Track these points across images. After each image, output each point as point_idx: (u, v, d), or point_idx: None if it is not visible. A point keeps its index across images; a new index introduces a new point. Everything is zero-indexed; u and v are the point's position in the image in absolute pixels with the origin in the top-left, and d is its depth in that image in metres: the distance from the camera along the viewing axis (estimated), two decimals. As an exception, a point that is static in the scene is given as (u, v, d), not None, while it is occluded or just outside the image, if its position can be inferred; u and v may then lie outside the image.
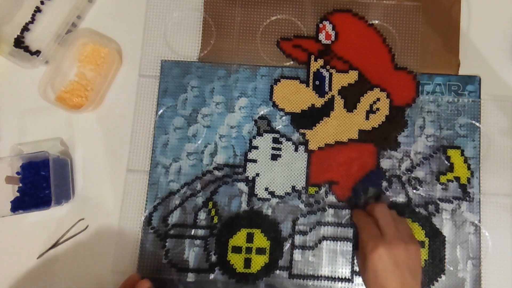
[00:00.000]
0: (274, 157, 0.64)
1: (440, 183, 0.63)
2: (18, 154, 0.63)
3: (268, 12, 0.67)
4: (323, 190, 0.63)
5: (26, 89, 0.66)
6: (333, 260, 0.62)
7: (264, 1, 0.67)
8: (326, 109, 0.65)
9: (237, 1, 0.67)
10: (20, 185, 0.60)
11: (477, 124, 0.64)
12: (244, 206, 0.63)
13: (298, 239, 0.62)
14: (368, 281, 0.54)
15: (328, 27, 0.66)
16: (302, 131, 0.64)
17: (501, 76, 0.66)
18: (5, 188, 0.60)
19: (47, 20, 0.67)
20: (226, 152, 0.64)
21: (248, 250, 0.62)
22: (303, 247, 0.62)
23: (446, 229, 0.62)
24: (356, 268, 0.62)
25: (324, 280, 0.61)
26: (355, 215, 0.61)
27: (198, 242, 0.62)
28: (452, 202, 0.63)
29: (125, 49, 0.67)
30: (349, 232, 0.62)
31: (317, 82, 0.65)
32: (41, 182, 0.60)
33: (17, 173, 0.61)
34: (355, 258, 0.62)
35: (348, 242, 0.62)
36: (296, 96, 0.65)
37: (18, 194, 0.60)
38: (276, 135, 0.64)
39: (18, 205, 0.60)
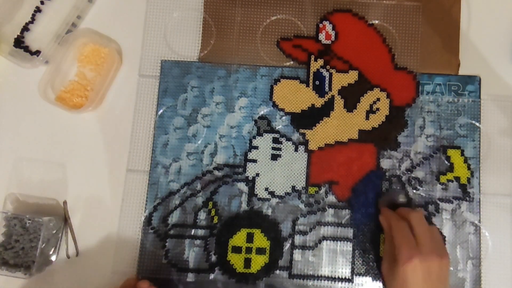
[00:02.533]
0: (274, 157, 0.64)
1: (440, 183, 0.63)
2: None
3: (268, 12, 0.67)
4: (323, 190, 0.63)
5: (26, 89, 0.66)
6: (333, 260, 0.62)
7: (264, 1, 0.67)
8: (326, 109, 0.65)
9: (237, 1, 0.67)
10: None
11: (477, 124, 0.64)
12: (244, 206, 0.63)
13: (298, 239, 0.62)
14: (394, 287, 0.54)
15: (328, 27, 0.66)
16: (302, 131, 0.64)
17: (501, 76, 0.66)
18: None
19: (47, 20, 0.67)
20: (226, 152, 0.64)
21: (248, 250, 0.62)
22: (303, 247, 0.62)
23: (446, 229, 0.62)
24: (356, 268, 0.62)
25: (324, 280, 0.61)
26: (385, 216, 0.59)
27: (198, 242, 0.62)
28: (452, 202, 0.63)
29: (125, 49, 0.67)
30: (349, 232, 0.62)
31: (317, 82, 0.65)
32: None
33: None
34: (355, 258, 0.62)
35: (348, 242, 0.62)
36: (296, 96, 0.65)
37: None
38: (276, 135, 0.64)
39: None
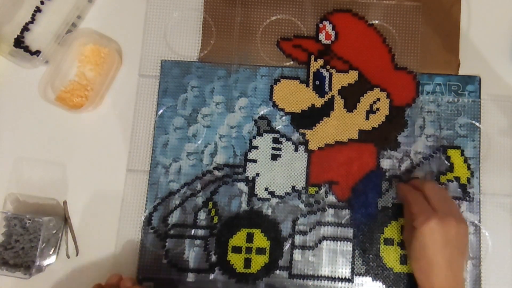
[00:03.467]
0: (274, 157, 0.64)
1: (440, 183, 0.63)
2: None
3: (268, 12, 0.67)
4: (323, 190, 0.63)
5: (26, 89, 0.66)
6: (333, 260, 0.62)
7: (264, 1, 0.67)
8: (326, 109, 0.65)
9: (237, 1, 0.67)
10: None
11: (477, 124, 0.64)
12: (244, 206, 0.63)
13: (298, 239, 0.62)
14: (414, 255, 0.53)
15: (328, 27, 0.66)
16: (302, 131, 0.64)
17: (501, 76, 0.66)
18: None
19: (47, 20, 0.67)
20: (226, 152, 0.64)
21: (248, 250, 0.62)
22: (303, 247, 0.62)
23: (446, 229, 0.62)
24: (356, 268, 0.62)
25: (324, 280, 0.61)
26: (401, 189, 0.59)
27: (198, 242, 0.62)
28: (452, 202, 0.63)
29: (125, 49, 0.67)
30: (349, 232, 0.62)
31: (317, 82, 0.65)
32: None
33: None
34: (355, 258, 0.62)
35: (348, 242, 0.62)
36: (296, 96, 0.65)
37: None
38: (276, 135, 0.64)
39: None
